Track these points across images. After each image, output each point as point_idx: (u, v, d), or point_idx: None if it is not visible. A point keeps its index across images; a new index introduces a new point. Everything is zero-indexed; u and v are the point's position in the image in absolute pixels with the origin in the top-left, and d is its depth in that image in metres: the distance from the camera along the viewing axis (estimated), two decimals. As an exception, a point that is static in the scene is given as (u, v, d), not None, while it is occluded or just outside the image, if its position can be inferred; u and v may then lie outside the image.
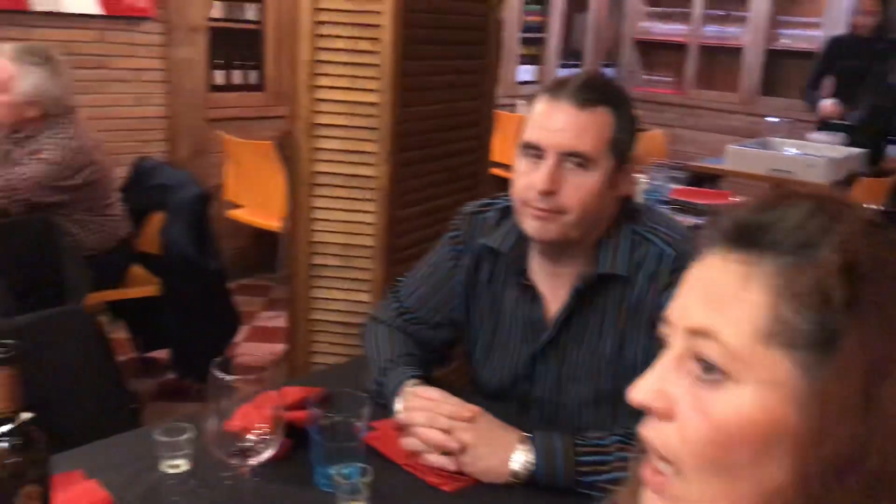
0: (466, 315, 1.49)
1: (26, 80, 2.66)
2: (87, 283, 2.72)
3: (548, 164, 1.28)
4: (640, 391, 0.63)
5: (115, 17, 3.91)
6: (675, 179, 3.55)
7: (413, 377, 1.38)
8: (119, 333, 3.42)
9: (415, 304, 1.52)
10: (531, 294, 1.40)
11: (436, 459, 1.23)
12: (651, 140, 5.20)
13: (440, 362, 1.56)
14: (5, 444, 0.82)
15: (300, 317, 2.56)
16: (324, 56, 2.35)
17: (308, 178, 2.43)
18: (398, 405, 1.34)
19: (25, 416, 0.83)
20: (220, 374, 1.05)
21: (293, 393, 1.30)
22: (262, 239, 4.42)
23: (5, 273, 2.26)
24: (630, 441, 1.22)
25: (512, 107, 5.62)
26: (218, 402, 1.06)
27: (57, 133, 2.74)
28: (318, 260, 2.49)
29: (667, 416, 0.61)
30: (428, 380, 1.40)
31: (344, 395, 1.23)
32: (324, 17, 2.33)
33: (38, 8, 3.68)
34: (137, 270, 3.14)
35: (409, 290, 1.54)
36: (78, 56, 3.80)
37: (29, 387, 1.42)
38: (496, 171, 3.07)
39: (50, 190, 2.69)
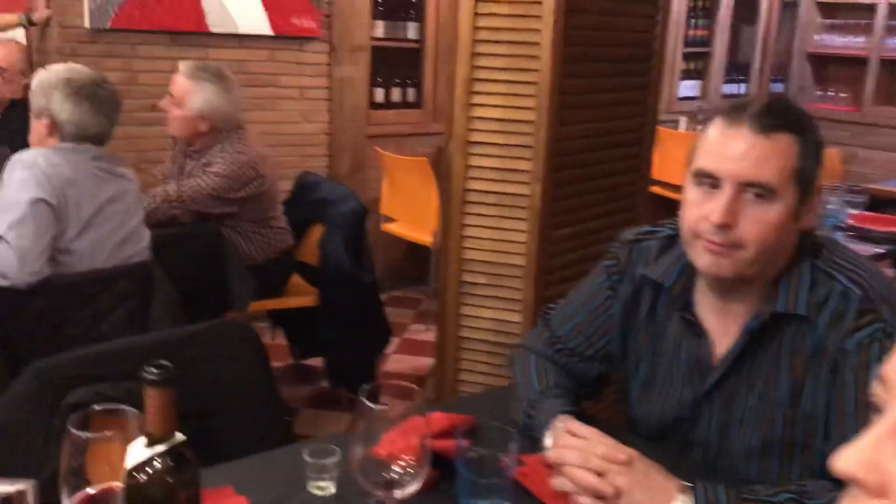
0: (623, 349, 1.41)
1: (199, 96, 2.82)
2: (250, 292, 2.83)
3: (725, 194, 1.18)
4: (849, 460, 0.54)
5: (284, 37, 4.10)
6: (852, 204, 3.29)
7: (564, 412, 1.32)
8: (278, 340, 3.56)
9: (567, 334, 1.45)
10: (696, 331, 1.30)
11: (587, 503, 1.16)
12: (825, 161, 4.85)
13: (592, 396, 1.49)
14: (158, 466, 0.83)
15: (449, 333, 2.55)
16: (481, 74, 2.34)
17: (460, 195, 2.42)
18: (548, 441, 1.28)
19: (179, 437, 0.84)
20: (368, 403, 1.03)
21: (440, 420, 1.27)
22: (415, 252, 4.49)
23: (176, 280, 2.37)
24: (804, 501, 1.11)
25: (673, 123, 5.42)
26: (364, 427, 1.05)
27: (227, 147, 2.87)
28: (467, 277, 2.48)
29: (880, 492, 0.53)
30: (580, 415, 1.33)
31: (492, 427, 1.19)
32: (483, 35, 2.32)
33: (216, 30, 3.90)
34: (297, 281, 3.24)
35: (561, 318, 1.48)
36: (250, 74, 4.00)
37: (188, 395, 1.47)
38: (656, 189, 2.95)
39: (219, 201, 2.82)
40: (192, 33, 3.86)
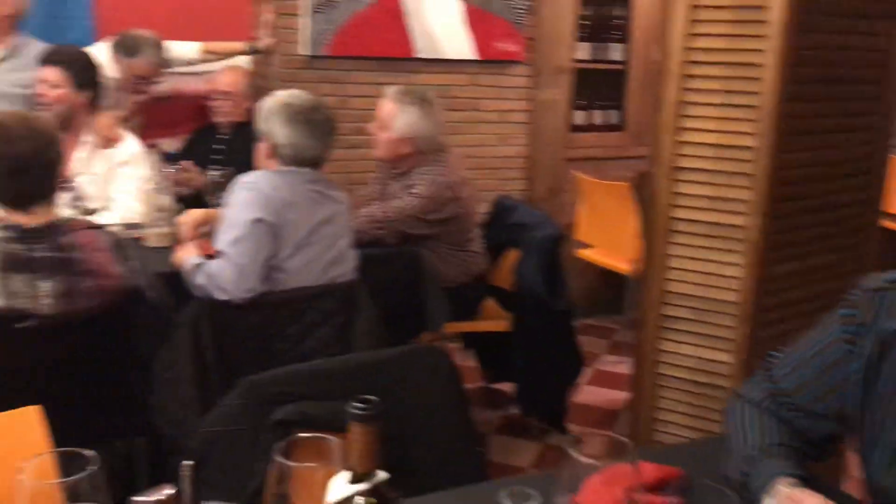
0: (862, 411, 1.24)
1: (403, 119, 2.88)
2: (445, 314, 2.84)
3: None
4: None
5: (487, 61, 4.13)
6: None
7: (787, 474, 1.18)
8: (469, 362, 3.56)
9: (792, 387, 1.30)
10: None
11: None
12: None
13: (820, 458, 1.33)
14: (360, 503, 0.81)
15: (646, 367, 2.43)
16: (692, 97, 2.22)
17: (665, 224, 2.30)
18: (768, 506, 1.15)
19: (381, 475, 0.82)
20: (575, 454, 0.97)
21: (650, 471, 1.18)
22: (611, 280, 4.35)
23: (377, 299, 2.42)
24: None
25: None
26: (567, 475, 0.98)
27: (429, 169, 2.91)
28: (669, 311, 2.35)
29: None
30: (805, 479, 1.19)
31: (707, 486, 1.08)
32: (696, 56, 2.20)
33: (422, 55, 4.01)
34: (490, 304, 3.23)
35: (785, 369, 1.33)
36: (453, 98, 4.07)
37: (387, 419, 1.46)
38: (888, 223, 2.66)
39: (419, 222, 2.87)
40: (401, 59, 3.98)
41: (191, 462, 1.06)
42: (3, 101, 3.15)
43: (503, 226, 3.30)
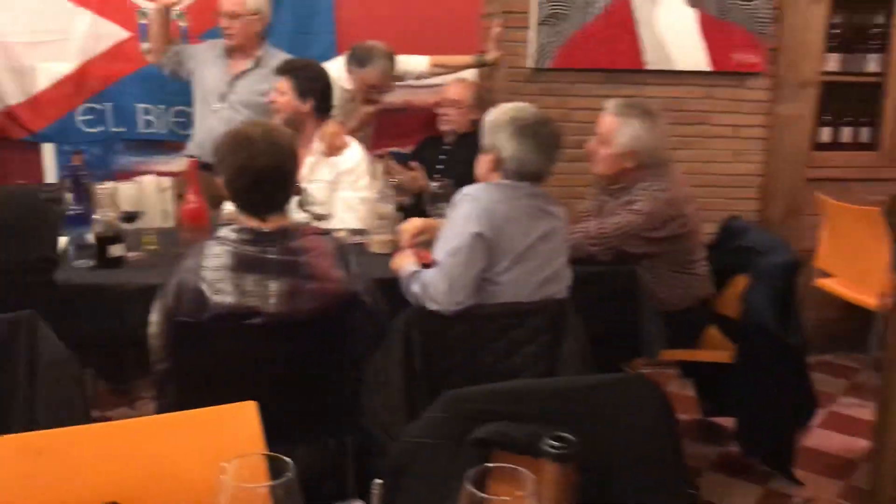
0: None
1: (626, 133, 2.77)
2: (662, 339, 2.70)
3: None
4: None
5: (723, 73, 3.91)
6: None
7: None
8: (686, 391, 3.37)
9: None
10: None
11: None
12: None
13: None
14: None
15: (892, 413, 2.15)
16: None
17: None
18: None
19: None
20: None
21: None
22: (853, 314, 3.92)
23: (587, 319, 2.34)
24: None
25: None
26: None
27: (650, 185, 2.78)
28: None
29: None
30: None
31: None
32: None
33: (652, 66, 3.86)
34: (713, 333, 3.02)
35: None
36: (682, 112, 3.89)
37: (589, 447, 1.38)
38: None
39: (637, 240, 2.74)
40: (628, 71, 3.86)
41: (380, 481, 1.04)
42: (248, 110, 3.43)
43: (732, 249, 3.08)
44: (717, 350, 2.97)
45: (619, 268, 2.71)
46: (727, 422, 3.24)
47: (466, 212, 2.23)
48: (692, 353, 2.99)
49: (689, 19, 3.84)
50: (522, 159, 2.27)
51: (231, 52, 3.52)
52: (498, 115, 2.35)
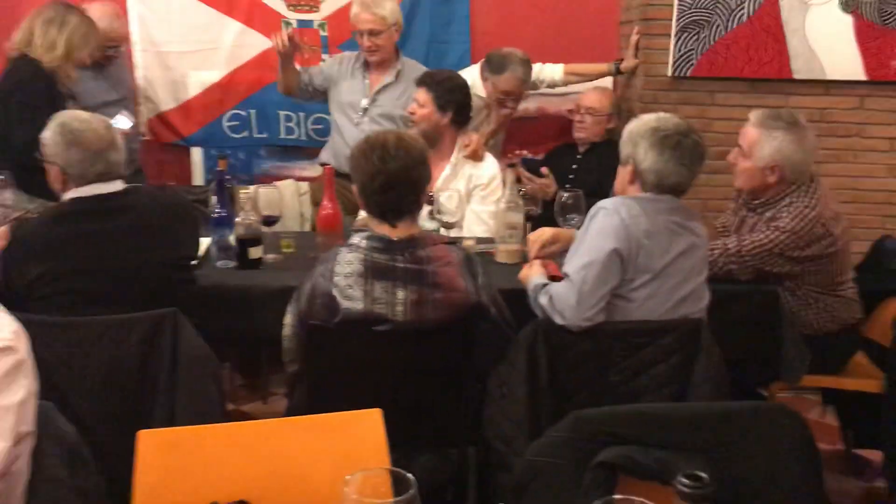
0: None
1: (769, 146, 2.62)
2: (804, 364, 2.55)
3: None
4: None
5: (880, 82, 3.66)
6: None
7: None
8: (828, 419, 3.17)
9: None
10: None
11: None
12: None
13: None
14: None
15: None
16: None
17: None
18: None
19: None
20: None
21: None
22: None
23: (722, 339, 2.23)
24: None
25: None
26: None
27: (796, 201, 2.63)
28: None
29: None
30: None
31: None
32: None
33: (800, 76, 3.67)
34: (860, 359, 2.83)
35: None
36: (831, 123, 3.69)
37: (721, 478, 1.31)
38: None
39: (781, 259, 2.59)
40: (773, 80, 3.68)
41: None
42: (389, 122, 3.48)
43: (884, 271, 2.89)
44: (864, 378, 2.78)
45: (759, 287, 2.58)
46: (874, 455, 3.02)
47: (603, 225, 2.17)
48: (837, 380, 2.81)
49: (845, 25, 3.61)
50: (662, 171, 2.19)
51: (369, 66, 3.56)
52: (638, 125, 2.28)
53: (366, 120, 3.52)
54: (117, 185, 2.27)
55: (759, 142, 2.64)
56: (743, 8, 3.62)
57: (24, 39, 3.16)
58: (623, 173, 2.30)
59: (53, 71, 3.15)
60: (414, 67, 3.52)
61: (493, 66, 3.58)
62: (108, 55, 3.55)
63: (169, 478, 1.39)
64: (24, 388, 1.31)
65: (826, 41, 3.63)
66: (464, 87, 3.12)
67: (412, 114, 3.09)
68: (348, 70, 3.59)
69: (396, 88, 3.54)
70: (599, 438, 1.46)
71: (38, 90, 3.09)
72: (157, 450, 1.39)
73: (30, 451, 1.35)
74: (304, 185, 3.66)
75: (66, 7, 3.22)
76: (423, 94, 3.05)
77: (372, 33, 3.42)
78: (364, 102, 3.54)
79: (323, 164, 3.44)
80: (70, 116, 2.28)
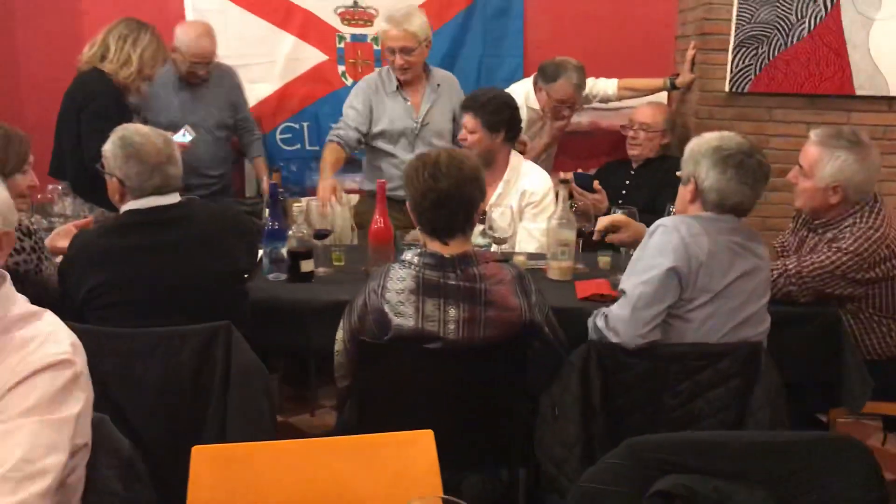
0: None
1: (831, 165, 2.54)
2: (867, 391, 2.46)
3: None
4: None
5: (946, 98, 3.55)
6: None
7: None
8: (890, 447, 3.07)
9: None
10: None
11: None
12: None
13: None
14: None
15: None
16: None
17: None
18: None
19: None
20: None
21: None
22: None
23: (782, 363, 2.17)
24: None
25: None
26: None
27: (858, 221, 2.55)
28: None
29: None
30: None
31: None
32: None
33: (862, 92, 3.58)
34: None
35: None
36: (894, 141, 3.57)
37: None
38: None
39: (843, 281, 2.51)
40: (834, 96, 3.60)
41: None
42: (439, 139, 3.44)
43: (951, 294, 2.77)
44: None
45: (820, 310, 2.50)
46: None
47: (662, 243, 2.13)
48: (897, 406, 2.71)
49: (911, 40, 3.53)
50: (724, 190, 2.15)
51: (401, 85, 3.43)
52: (700, 142, 2.23)
53: (419, 142, 3.42)
54: (174, 198, 2.29)
55: (820, 161, 2.56)
56: (804, 24, 3.55)
57: (98, 54, 3.26)
58: (684, 192, 2.26)
59: (125, 85, 3.26)
60: (445, 77, 3.48)
61: (547, 75, 3.55)
62: (193, 72, 3.59)
63: (222, 494, 1.39)
64: (80, 401, 1.32)
65: (890, 57, 3.54)
66: (509, 102, 3.08)
67: (463, 140, 3.06)
68: (383, 97, 3.44)
69: (442, 104, 3.46)
70: (656, 466, 1.42)
71: (109, 103, 3.20)
72: (210, 466, 1.40)
73: (85, 464, 1.36)
74: (355, 199, 3.67)
75: (138, 24, 3.32)
76: (470, 120, 3.02)
77: (404, 51, 3.31)
78: (413, 125, 3.43)
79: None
80: (131, 130, 2.31)
